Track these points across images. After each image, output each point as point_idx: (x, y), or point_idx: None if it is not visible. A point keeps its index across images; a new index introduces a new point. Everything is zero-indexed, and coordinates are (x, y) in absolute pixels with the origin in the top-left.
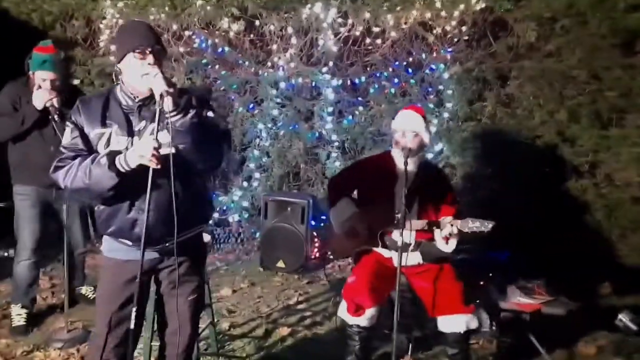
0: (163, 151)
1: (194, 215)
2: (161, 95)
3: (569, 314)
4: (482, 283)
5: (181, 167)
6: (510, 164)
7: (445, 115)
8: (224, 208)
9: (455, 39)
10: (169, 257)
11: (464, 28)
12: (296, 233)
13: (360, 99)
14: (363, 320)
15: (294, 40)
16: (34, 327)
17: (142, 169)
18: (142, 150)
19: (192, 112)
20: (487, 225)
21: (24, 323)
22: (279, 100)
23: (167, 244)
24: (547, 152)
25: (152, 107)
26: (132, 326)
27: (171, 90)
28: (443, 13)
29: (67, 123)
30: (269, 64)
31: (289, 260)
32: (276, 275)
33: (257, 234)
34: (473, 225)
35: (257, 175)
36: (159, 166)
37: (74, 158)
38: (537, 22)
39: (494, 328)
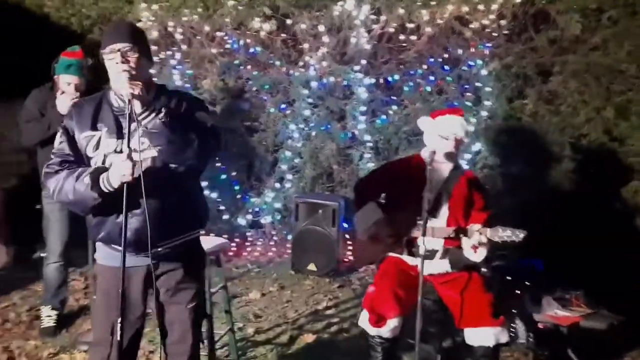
0: (144, 155)
1: (185, 219)
2: (130, 97)
3: (610, 328)
4: (518, 292)
5: (166, 170)
6: (552, 165)
7: (484, 113)
8: (257, 210)
9: (494, 34)
10: (164, 263)
11: (503, 22)
12: (327, 235)
13: (394, 97)
14: (385, 331)
15: (325, 39)
16: (64, 328)
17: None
18: (122, 169)
19: (162, 112)
20: (518, 235)
21: (54, 324)
22: (310, 100)
23: (159, 249)
24: (593, 152)
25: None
26: (117, 338)
27: (136, 92)
28: (481, 6)
29: (59, 127)
30: (301, 63)
31: (320, 263)
32: (307, 278)
33: (290, 236)
34: (503, 234)
35: (289, 176)
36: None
37: (60, 164)
38: (582, 13)
39: (530, 340)
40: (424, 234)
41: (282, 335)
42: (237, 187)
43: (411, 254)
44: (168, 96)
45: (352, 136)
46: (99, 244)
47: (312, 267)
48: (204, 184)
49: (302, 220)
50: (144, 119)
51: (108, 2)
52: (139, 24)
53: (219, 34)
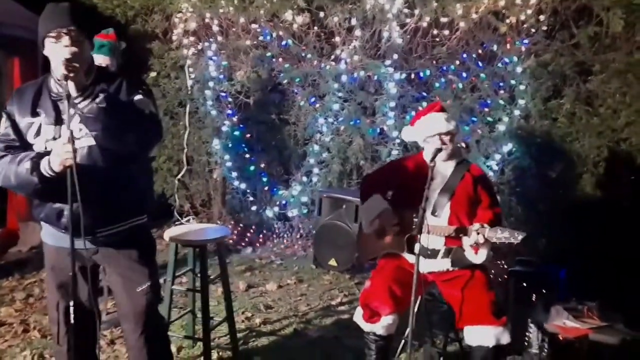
0: (81, 143)
1: (125, 206)
2: (65, 80)
3: (623, 343)
4: (534, 299)
5: (103, 156)
6: (588, 170)
7: (517, 112)
8: (284, 202)
9: (532, 29)
10: (107, 248)
11: (541, 17)
12: (349, 231)
13: (424, 94)
14: (379, 327)
15: (357, 33)
16: None
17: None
18: (63, 154)
19: (100, 97)
20: (516, 237)
21: None
22: (341, 94)
23: (97, 235)
24: (634, 156)
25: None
26: (72, 321)
27: (72, 74)
28: (518, 1)
29: (3, 112)
30: (332, 57)
31: (341, 259)
32: (327, 273)
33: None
34: (502, 235)
35: (316, 170)
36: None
37: (5, 149)
38: (626, 9)
39: (545, 351)
40: (419, 232)
41: (288, 327)
42: (265, 179)
43: (411, 251)
44: (108, 80)
45: (380, 132)
46: (42, 223)
47: (333, 262)
48: (233, 174)
49: (325, 215)
50: (80, 102)
51: None
52: (178, 15)
53: (253, 26)
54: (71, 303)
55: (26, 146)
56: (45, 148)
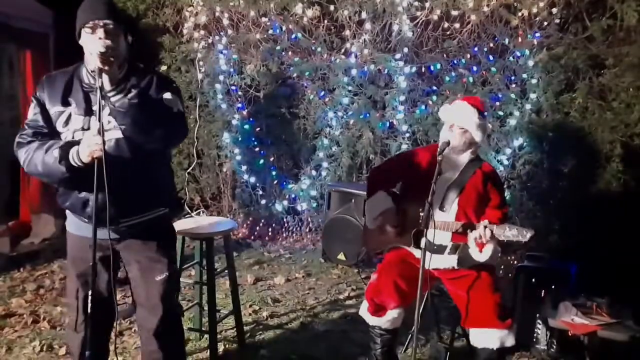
0: (109, 135)
1: (148, 198)
2: (99, 73)
3: (632, 340)
4: (542, 294)
5: (130, 149)
6: (601, 165)
7: (528, 106)
8: (293, 196)
9: (545, 22)
10: (129, 238)
11: (554, 10)
12: (358, 226)
13: (434, 88)
14: (384, 321)
15: (368, 26)
16: None
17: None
18: (92, 145)
19: (133, 92)
20: (525, 235)
21: None
22: (350, 88)
23: (120, 225)
24: None
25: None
26: (89, 310)
27: (106, 67)
28: None
29: (32, 98)
30: (342, 50)
31: (349, 252)
32: (336, 267)
33: None
34: (509, 232)
35: (325, 164)
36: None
37: (33, 135)
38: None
39: (552, 346)
40: (426, 227)
41: (295, 321)
42: (274, 173)
43: (418, 246)
44: (139, 75)
45: (390, 126)
46: (67, 211)
47: (341, 256)
48: (243, 167)
49: (334, 209)
50: (112, 96)
51: None
52: (189, 9)
53: (263, 19)
54: (89, 292)
55: (54, 134)
56: (73, 137)
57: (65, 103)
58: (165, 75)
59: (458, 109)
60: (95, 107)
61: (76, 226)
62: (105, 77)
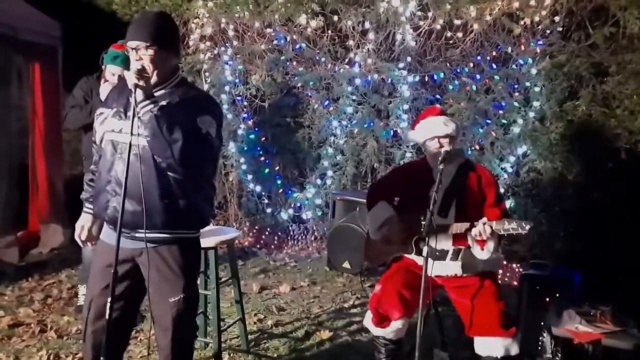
0: (140, 141)
1: (171, 216)
2: (134, 88)
3: (637, 349)
4: (546, 301)
5: (152, 161)
6: (605, 172)
7: (532, 114)
8: (299, 205)
9: (548, 31)
10: (150, 250)
11: (556, 18)
12: (363, 234)
13: (438, 96)
14: (388, 332)
15: (371, 36)
16: None
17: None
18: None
19: (158, 106)
20: (524, 227)
21: None
22: (354, 97)
23: (136, 235)
24: None
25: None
26: (106, 316)
27: (141, 83)
28: (532, 2)
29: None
30: (346, 60)
31: (354, 261)
32: (341, 276)
33: None
34: (509, 226)
35: (330, 173)
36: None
37: None
38: None
39: (558, 356)
40: (427, 234)
41: (299, 329)
42: (280, 182)
43: (419, 253)
44: (179, 92)
45: (394, 134)
46: (104, 223)
47: (346, 264)
48: (248, 177)
49: (338, 217)
50: (142, 108)
51: None
52: (195, 20)
53: (268, 30)
54: (109, 299)
55: None
56: (102, 139)
57: (110, 107)
58: (209, 96)
59: (434, 123)
60: (129, 113)
61: (109, 236)
62: (139, 92)
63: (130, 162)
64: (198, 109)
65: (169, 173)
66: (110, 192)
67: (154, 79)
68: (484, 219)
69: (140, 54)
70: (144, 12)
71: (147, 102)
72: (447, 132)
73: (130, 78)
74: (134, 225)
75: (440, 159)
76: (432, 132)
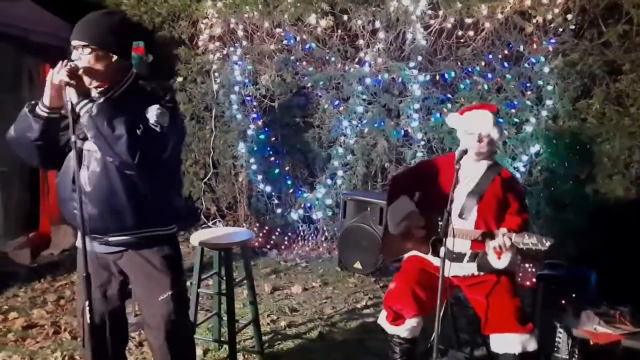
0: (92, 146)
1: (139, 215)
2: (65, 85)
3: None
4: (563, 302)
5: (104, 162)
6: (619, 172)
7: (544, 113)
8: (309, 205)
9: (560, 29)
10: (128, 253)
11: (569, 16)
12: (374, 234)
13: (449, 95)
14: (402, 330)
15: (381, 35)
16: None
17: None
18: (55, 78)
19: (92, 105)
20: (544, 243)
21: None
22: (364, 96)
23: (110, 240)
24: None
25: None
26: (88, 320)
27: (72, 81)
28: (545, 0)
29: None
30: (356, 59)
31: (365, 261)
32: (352, 276)
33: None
34: (529, 240)
35: (340, 173)
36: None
37: None
38: None
39: (575, 357)
40: (445, 235)
41: (313, 330)
42: (290, 182)
43: (436, 254)
44: (124, 90)
45: (405, 134)
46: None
47: (357, 265)
48: (258, 177)
49: (349, 217)
50: (81, 108)
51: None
52: (204, 21)
53: (277, 30)
54: (86, 303)
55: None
56: (68, 141)
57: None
58: (158, 87)
59: (483, 118)
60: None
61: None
62: (71, 90)
63: (91, 167)
64: (143, 100)
65: (126, 172)
66: (76, 199)
67: (96, 82)
68: (504, 230)
69: (79, 53)
70: (94, 12)
71: (85, 101)
72: (490, 133)
73: (62, 76)
74: (105, 230)
75: (456, 157)
76: (478, 126)
